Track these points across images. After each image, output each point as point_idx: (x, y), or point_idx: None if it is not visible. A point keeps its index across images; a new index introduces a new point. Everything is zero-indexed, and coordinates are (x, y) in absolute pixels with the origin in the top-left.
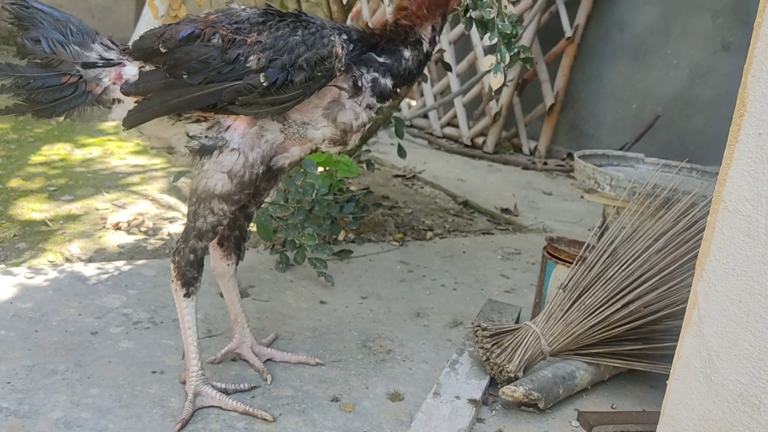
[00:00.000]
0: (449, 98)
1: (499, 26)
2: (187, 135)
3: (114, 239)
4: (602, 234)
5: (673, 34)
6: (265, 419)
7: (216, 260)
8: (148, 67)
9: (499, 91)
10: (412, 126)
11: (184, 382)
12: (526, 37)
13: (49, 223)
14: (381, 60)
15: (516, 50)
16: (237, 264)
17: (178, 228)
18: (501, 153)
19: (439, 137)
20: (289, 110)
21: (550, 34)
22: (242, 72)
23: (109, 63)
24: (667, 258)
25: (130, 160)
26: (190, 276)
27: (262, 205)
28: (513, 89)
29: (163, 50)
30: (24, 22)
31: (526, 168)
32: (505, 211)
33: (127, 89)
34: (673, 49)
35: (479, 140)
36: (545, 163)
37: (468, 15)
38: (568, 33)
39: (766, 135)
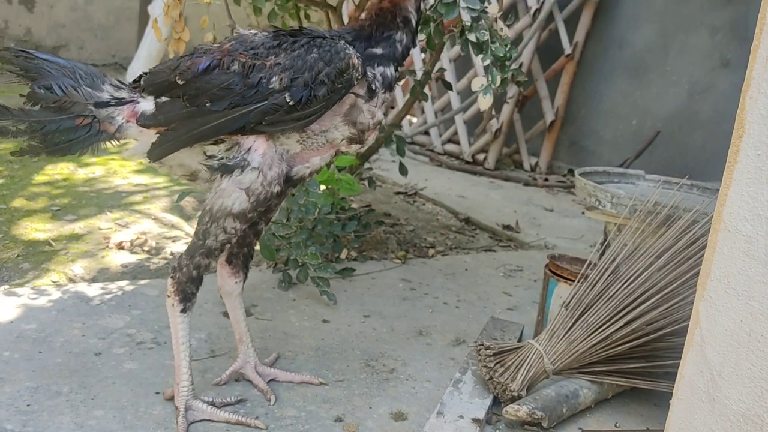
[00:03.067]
0: (450, 115)
1: (493, 48)
2: (205, 154)
3: (117, 259)
4: (604, 251)
5: (672, 51)
6: (258, 428)
7: (224, 278)
8: (163, 99)
9: (497, 110)
10: (413, 143)
11: (170, 399)
12: (526, 54)
13: (53, 243)
14: (380, 52)
15: (510, 72)
16: (244, 282)
17: (181, 247)
18: (502, 169)
19: (440, 154)
20: (312, 123)
21: (549, 52)
22: (266, 93)
23: (121, 102)
24: (669, 275)
25: (132, 179)
26: (190, 292)
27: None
28: (513, 106)
29: (180, 82)
30: (31, 72)
31: (527, 184)
32: (507, 227)
33: (145, 121)
34: (672, 65)
35: (480, 157)
36: (546, 180)
37: (464, 36)
38: (568, 50)
39: (764, 156)
